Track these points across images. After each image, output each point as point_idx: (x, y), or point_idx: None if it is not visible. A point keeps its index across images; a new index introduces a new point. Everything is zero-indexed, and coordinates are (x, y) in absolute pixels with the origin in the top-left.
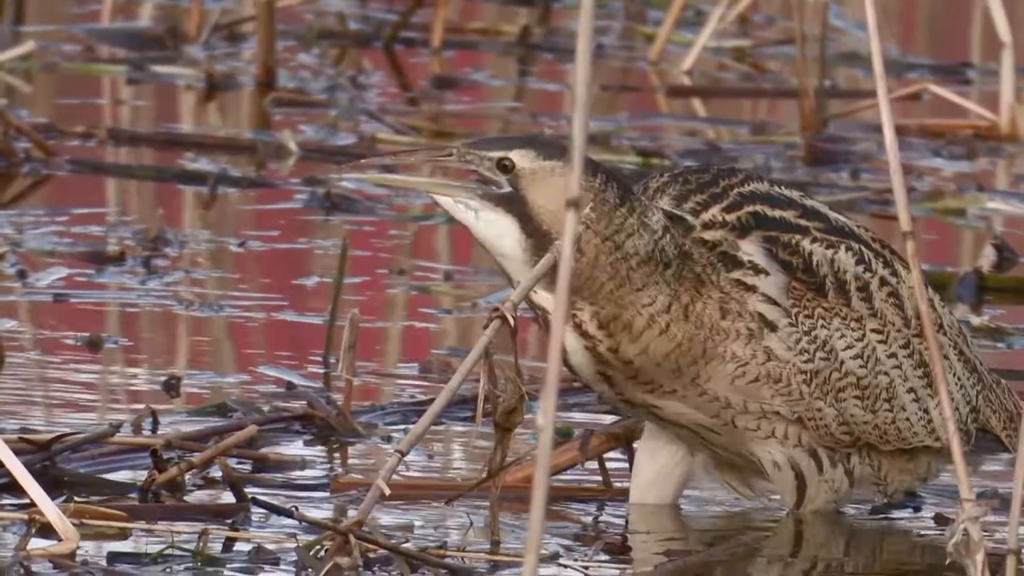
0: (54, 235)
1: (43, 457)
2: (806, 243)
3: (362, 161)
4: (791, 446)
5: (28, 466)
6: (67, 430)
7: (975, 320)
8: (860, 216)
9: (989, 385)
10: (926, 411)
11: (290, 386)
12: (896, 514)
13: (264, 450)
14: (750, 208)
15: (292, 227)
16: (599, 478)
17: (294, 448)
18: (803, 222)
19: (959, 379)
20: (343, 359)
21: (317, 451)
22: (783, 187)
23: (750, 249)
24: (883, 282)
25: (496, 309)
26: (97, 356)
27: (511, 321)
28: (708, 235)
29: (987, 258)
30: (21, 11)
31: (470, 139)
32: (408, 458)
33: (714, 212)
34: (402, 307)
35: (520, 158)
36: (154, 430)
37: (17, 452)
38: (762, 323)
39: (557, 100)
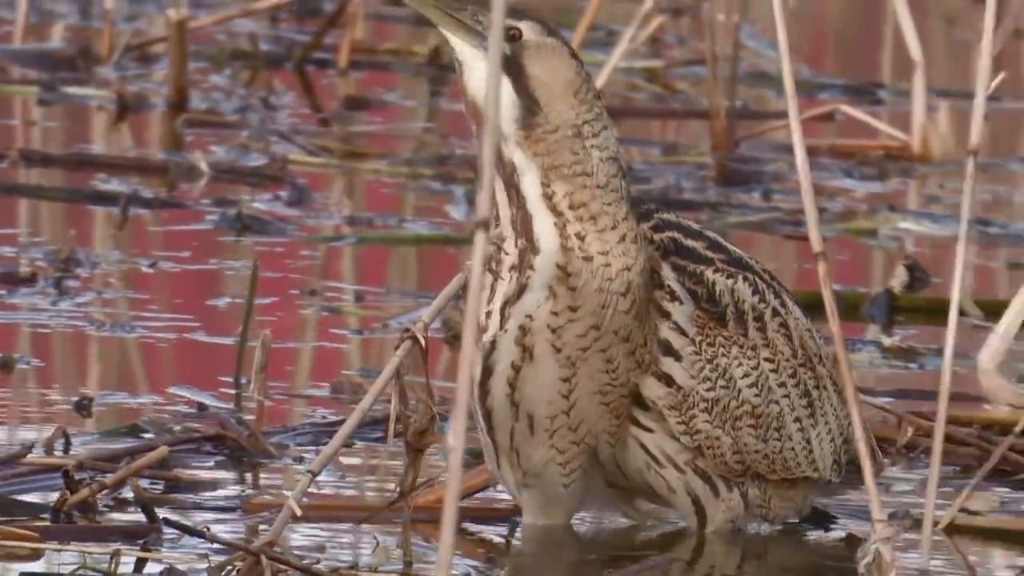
0: None
1: None
2: (709, 273)
3: None
4: (688, 472)
5: None
6: None
7: (887, 340)
8: (772, 237)
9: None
10: (808, 441)
11: (202, 407)
12: (809, 534)
13: (175, 471)
14: (670, 233)
15: (203, 248)
16: (511, 498)
17: (206, 469)
18: (709, 253)
19: (835, 410)
20: (254, 380)
21: (229, 472)
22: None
23: (668, 274)
24: (775, 312)
25: (407, 330)
26: (8, 377)
27: (422, 341)
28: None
29: (899, 278)
30: None
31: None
32: (320, 478)
33: (645, 227)
34: (313, 328)
35: (528, 29)
36: (66, 450)
37: None
38: (666, 351)
39: (467, 121)
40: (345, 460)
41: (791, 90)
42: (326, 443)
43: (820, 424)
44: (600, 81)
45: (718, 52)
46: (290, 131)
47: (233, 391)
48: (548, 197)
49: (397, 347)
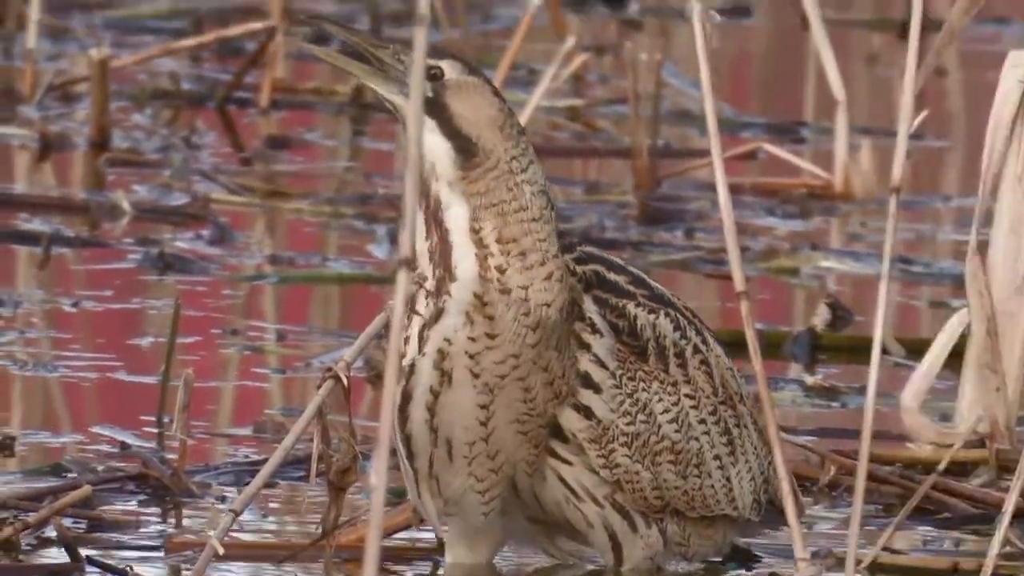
0: None
1: None
2: (631, 307)
3: (323, 19)
4: (606, 506)
5: None
6: None
7: (809, 379)
8: (694, 275)
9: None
10: (728, 479)
11: (124, 446)
12: (731, 573)
13: (99, 510)
14: (593, 266)
15: (126, 287)
16: (433, 537)
17: (129, 508)
18: (631, 288)
19: (755, 449)
20: (177, 419)
21: (152, 511)
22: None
23: (590, 307)
24: (696, 349)
25: (329, 369)
26: None
27: (344, 380)
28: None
29: (821, 317)
30: None
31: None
32: (242, 518)
33: (567, 259)
34: (235, 367)
35: (450, 68)
36: None
37: None
38: (585, 383)
39: (390, 160)
40: (267, 499)
41: (713, 128)
42: (248, 482)
43: (740, 462)
44: (522, 120)
45: (640, 91)
46: (212, 170)
47: (156, 430)
48: (475, 231)
49: (319, 386)
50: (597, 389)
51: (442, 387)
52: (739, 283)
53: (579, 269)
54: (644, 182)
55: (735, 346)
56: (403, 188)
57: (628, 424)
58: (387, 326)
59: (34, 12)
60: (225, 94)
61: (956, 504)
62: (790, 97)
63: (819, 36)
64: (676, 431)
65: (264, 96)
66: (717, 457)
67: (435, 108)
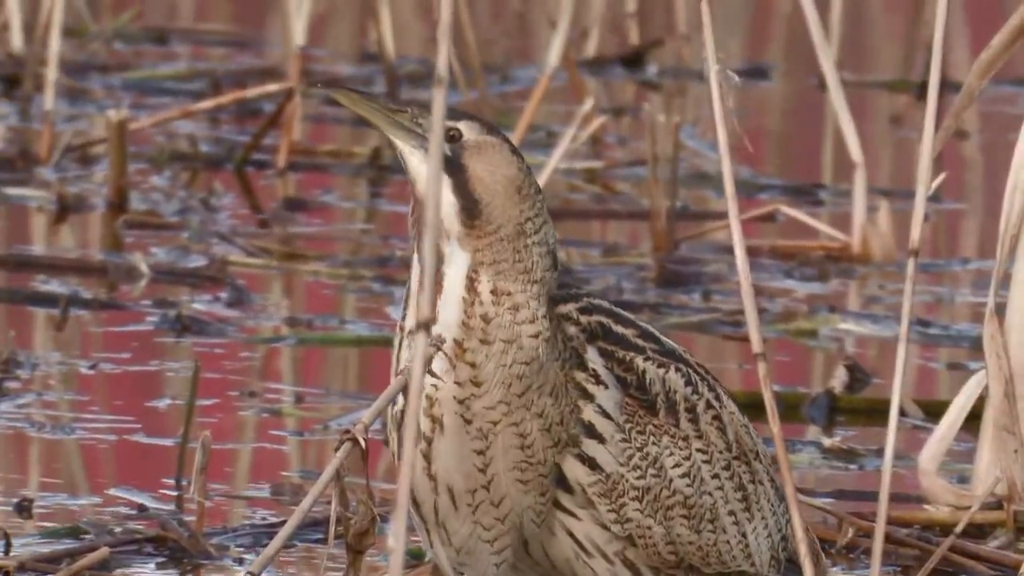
0: None
1: None
2: (639, 360)
3: (340, 86)
4: (616, 563)
5: None
6: None
7: (827, 441)
8: (712, 338)
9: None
10: (744, 535)
11: (142, 508)
12: None
13: (117, 572)
14: (599, 318)
15: (143, 349)
16: None
17: (147, 570)
18: (640, 342)
19: (772, 506)
20: (195, 481)
21: (170, 573)
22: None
23: (594, 358)
24: (708, 405)
25: (347, 431)
26: None
27: (362, 443)
28: (565, 326)
29: (839, 379)
30: None
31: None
32: None
33: (571, 308)
34: (253, 429)
35: (467, 129)
36: (6, 551)
37: None
38: (589, 433)
39: (407, 222)
40: (285, 562)
41: (731, 191)
42: (267, 544)
43: (756, 518)
44: (540, 182)
45: (658, 153)
46: (230, 232)
47: (174, 492)
48: (471, 280)
49: (337, 448)
50: (601, 439)
51: (434, 434)
52: (756, 345)
53: (583, 319)
54: (662, 244)
55: (753, 408)
56: (417, 246)
57: (638, 478)
58: (404, 388)
59: (51, 73)
60: (243, 156)
61: (974, 566)
62: (808, 159)
63: (837, 97)
64: (688, 485)
65: (281, 158)
66: (732, 513)
67: (453, 168)
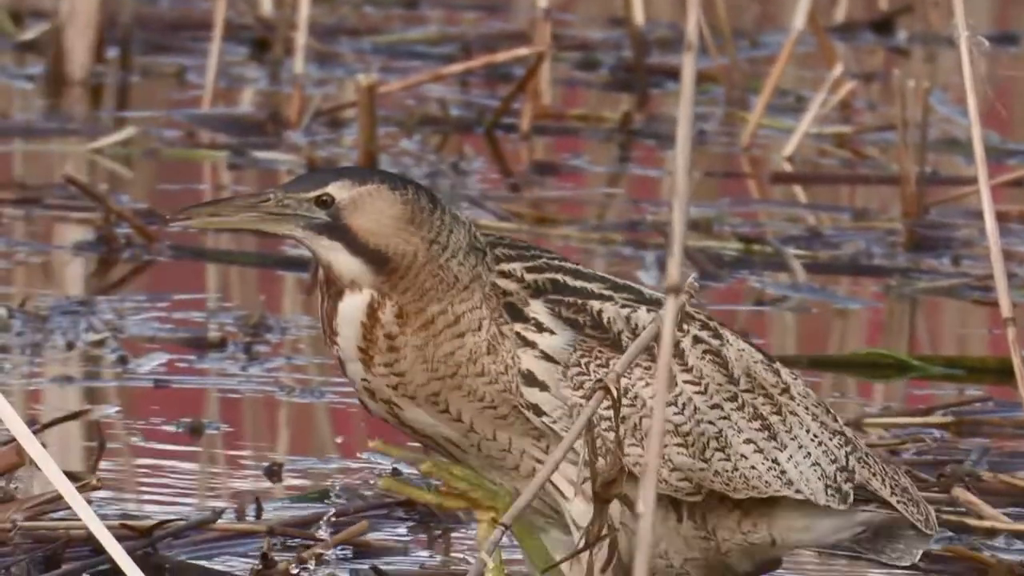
0: (155, 321)
1: (145, 544)
2: (595, 303)
3: (189, 209)
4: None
5: (130, 552)
6: (169, 516)
7: None
8: (961, 303)
9: (865, 453)
10: (776, 461)
11: (396, 472)
12: None
13: (367, 536)
14: (551, 275)
15: None
16: None
17: (398, 534)
18: (607, 292)
19: (816, 436)
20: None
21: (420, 537)
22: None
23: (537, 308)
24: (697, 340)
25: (599, 380)
26: (198, 442)
27: (614, 392)
28: (501, 282)
29: None
30: (123, 97)
31: (284, 183)
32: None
33: (516, 266)
34: None
35: (338, 190)
36: (257, 516)
37: (119, 539)
38: (529, 382)
39: (657, 186)
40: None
41: (981, 155)
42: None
43: (792, 447)
44: (790, 147)
45: (908, 118)
46: (479, 196)
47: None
48: (372, 310)
49: (589, 397)
50: (544, 387)
51: (396, 408)
52: (1006, 309)
53: (530, 277)
54: (912, 209)
55: (1002, 373)
56: (670, 215)
57: (607, 407)
58: (656, 338)
59: (301, 37)
60: (493, 120)
61: None
62: None
63: None
64: (676, 413)
65: (525, 121)
66: (750, 441)
67: (336, 232)
